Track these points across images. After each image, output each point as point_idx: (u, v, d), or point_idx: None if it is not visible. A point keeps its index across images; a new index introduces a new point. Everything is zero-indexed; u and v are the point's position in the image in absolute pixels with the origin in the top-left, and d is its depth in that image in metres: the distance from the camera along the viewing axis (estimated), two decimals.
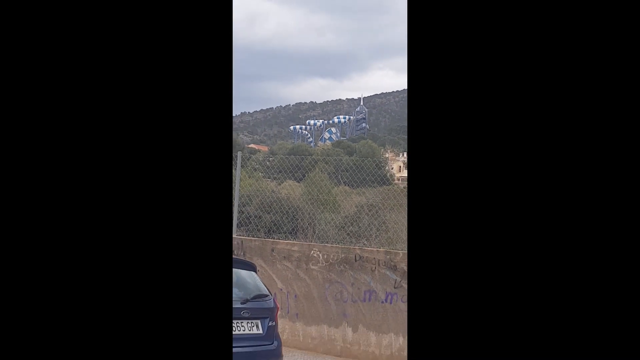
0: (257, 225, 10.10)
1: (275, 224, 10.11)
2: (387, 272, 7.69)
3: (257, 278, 5.97)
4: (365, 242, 9.26)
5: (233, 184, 9.08)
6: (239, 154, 9.18)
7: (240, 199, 9.17)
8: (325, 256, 8.05)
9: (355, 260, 7.88)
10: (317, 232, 10.32)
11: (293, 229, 10.40)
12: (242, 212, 9.65)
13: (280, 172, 11.92)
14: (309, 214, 10.60)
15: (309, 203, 10.73)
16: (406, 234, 8.50)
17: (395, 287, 7.62)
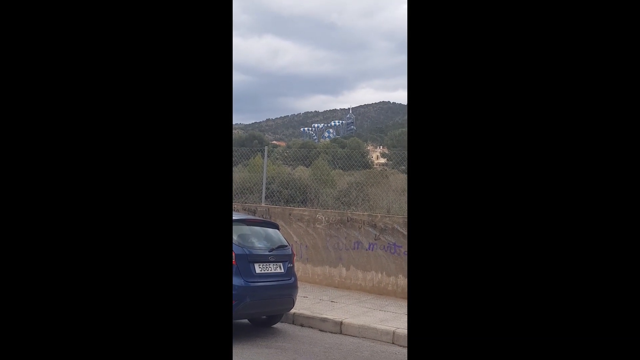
0: (279, 198, 10.09)
1: (291, 196, 10.11)
2: (369, 229, 7.68)
3: (279, 234, 5.96)
4: (354, 209, 9.24)
5: (261, 170, 9.05)
6: (266, 148, 9.14)
7: (267, 179, 9.14)
8: (326, 218, 8.03)
9: (347, 221, 7.86)
10: (320, 201, 10.31)
11: (303, 200, 10.39)
12: (269, 189, 9.64)
13: (294, 160, 11.89)
14: (314, 189, 10.59)
15: (314, 181, 10.71)
16: (382, 202, 8.45)
17: (375, 239, 7.61)
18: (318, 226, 8.09)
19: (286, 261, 5.62)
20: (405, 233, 7.35)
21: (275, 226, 6.00)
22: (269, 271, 5.38)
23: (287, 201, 9.97)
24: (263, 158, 8.98)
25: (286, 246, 5.81)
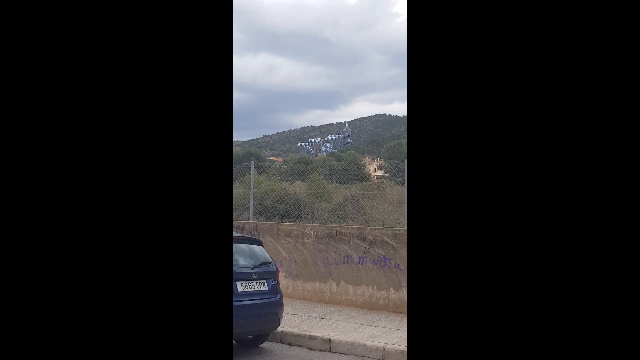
0: (273, 213, 9.98)
1: (286, 212, 10.01)
2: (359, 242, 7.55)
3: (264, 250, 5.83)
4: (350, 222, 9.12)
5: (257, 186, 8.93)
6: (252, 163, 9.02)
7: (260, 195, 9.04)
8: (315, 233, 7.90)
9: (336, 235, 7.73)
10: (315, 216, 10.21)
11: (298, 215, 10.29)
12: (262, 204, 9.55)
13: (291, 175, 11.83)
14: (310, 203, 10.51)
15: (310, 196, 10.63)
16: (377, 214, 8.37)
17: (364, 253, 7.47)
18: (307, 241, 7.95)
19: (270, 278, 5.47)
20: (395, 245, 7.21)
21: (259, 242, 5.86)
22: (252, 289, 5.24)
23: (282, 217, 9.86)
24: (250, 173, 8.86)
25: (270, 263, 5.67)
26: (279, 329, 5.75)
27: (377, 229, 7.55)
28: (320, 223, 8.53)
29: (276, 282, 5.56)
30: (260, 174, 11.90)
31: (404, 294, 7.13)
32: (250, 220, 8.65)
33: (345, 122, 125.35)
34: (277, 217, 10.05)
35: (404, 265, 7.13)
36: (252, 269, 5.34)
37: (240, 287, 5.10)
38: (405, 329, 6.15)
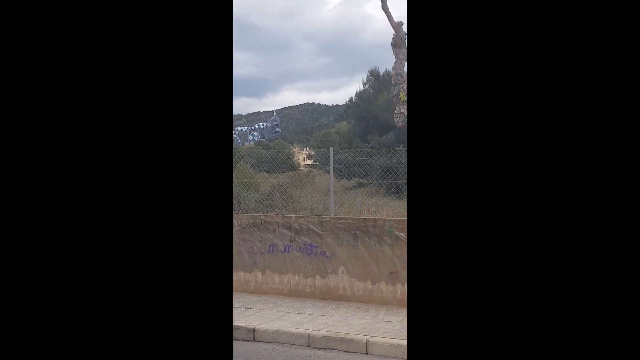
0: None
1: None
2: (284, 231, 7.54)
3: None
4: (278, 211, 9.06)
5: None
6: None
7: None
8: (239, 222, 7.80)
9: (261, 224, 7.68)
10: (242, 205, 10.07)
11: None
12: None
13: None
14: (236, 193, 10.34)
15: (237, 186, 10.46)
16: (306, 203, 8.34)
17: (290, 241, 7.48)
18: None
19: None
20: (321, 232, 7.28)
21: None
22: None
23: None
24: None
25: None
26: None
27: (303, 217, 7.58)
28: (247, 213, 8.42)
29: None
30: None
31: (330, 280, 7.23)
32: None
33: (273, 110, 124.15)
34: None
35: (329, 252, 7.22)
36: None
37: None
38: (331, 315, 6.24)
